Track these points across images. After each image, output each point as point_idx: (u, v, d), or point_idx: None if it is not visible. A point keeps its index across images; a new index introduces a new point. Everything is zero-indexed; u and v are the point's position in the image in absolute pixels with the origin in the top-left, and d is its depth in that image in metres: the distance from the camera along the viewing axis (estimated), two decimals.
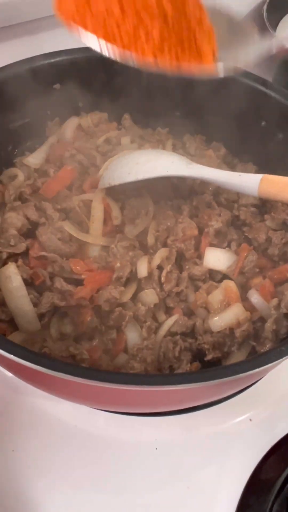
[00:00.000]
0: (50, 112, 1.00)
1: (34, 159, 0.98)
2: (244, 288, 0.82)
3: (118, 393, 0.59)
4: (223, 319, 0.76)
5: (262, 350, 0.75)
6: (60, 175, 0.93)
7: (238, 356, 0.76)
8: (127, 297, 0.79)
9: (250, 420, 0.80)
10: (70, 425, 0.78)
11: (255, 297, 0.79)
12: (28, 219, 0.85)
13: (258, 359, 0.59)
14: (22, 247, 0.80)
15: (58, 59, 0.94)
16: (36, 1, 0.96)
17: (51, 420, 0.78)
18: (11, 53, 0.95)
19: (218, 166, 0.96)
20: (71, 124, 1.02)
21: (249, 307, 0.79)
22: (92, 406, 0.76)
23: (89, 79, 0.98)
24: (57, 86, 0.96)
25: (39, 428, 0.77)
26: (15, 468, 0.74)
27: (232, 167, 1.01)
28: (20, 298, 0.74)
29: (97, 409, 0.78)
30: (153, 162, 0.85)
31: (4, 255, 0.79)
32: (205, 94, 0.96)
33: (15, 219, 0.83)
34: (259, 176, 0.79)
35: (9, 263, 0.77)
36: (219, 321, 0.76)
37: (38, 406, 0.79)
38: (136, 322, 0.77)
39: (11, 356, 0.57)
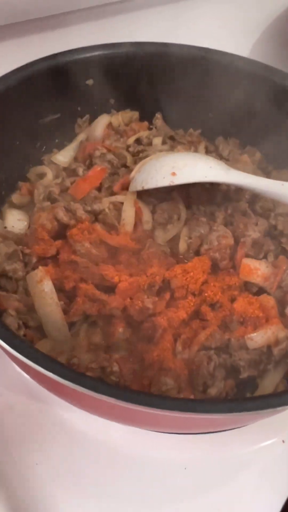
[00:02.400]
0: (80, 109, 0.97)
1: (62, 157, 0.95)
2: (281, 303, 0.78)
3: (153, 416, 0.56)
4: (261, 336, 0.72)
5: None
6: (90, 175, 0.89)
7: (274, 375, 0.73)
8: (160, 307, 0.75)
9: (283, 441, 0.76)
10: (97, 440, 0.74)
11: None
12: (58, 220, 0.81)
13: None
14: (52, 250, 0.77)
15: (92, 54, 0.91)
16: None
17: (76, 433, 0.74)
18: (40, 47, 0.92)
19: (253, 172, 0.92)
20: (102, 122, 0.98)
21: (287, 323, 0.75)
22: (121, 423, 0.72)
23: (122, 76, 0.95)
24: (89, 82, 0.93)
25: (64, 441, 0.74)
26: (39, 482, 0.70)
27: (266, 174, 0.97)
28: (50, 305, 0.70)
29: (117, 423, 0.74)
30: (191, 166, 0.81)
31: (34, 259, 0.76)
32: (240, 97, 0.93)
33: (45, 220, 0.79)
34: None
35: (40, 267, 0.73)
36: (257, 338, 0.72)
37: (63, 418, 0.75)
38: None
39: (40, 369, 0.53)
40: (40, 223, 0.79)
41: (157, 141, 0.98)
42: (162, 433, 0.74)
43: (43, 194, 0.86)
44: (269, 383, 0.71)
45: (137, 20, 1.11)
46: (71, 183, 0.89)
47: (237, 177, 0.80)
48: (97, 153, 0.92)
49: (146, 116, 1.02)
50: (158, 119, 1.02)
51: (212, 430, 0.72)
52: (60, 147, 0.97)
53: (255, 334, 0.72)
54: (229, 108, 0.96)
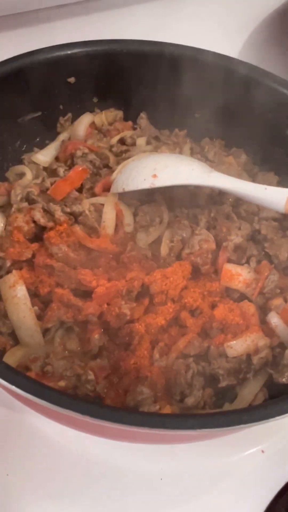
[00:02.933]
0: (62, 107, 0.94)
1: (43, 157, 0.92)
2: (262, 310, 0.77)
3: (123, 430, 0.54)
4: (240, 344, 0.70)
5: (280, 379, 0.70)
6: (70, 176, 0.87)
7: (254, 384, 0.71)
8: (138, 313, 0.73)
9: (262, 451, 0.75)
10: (69, 449, 0.72)
11: (275, 321, 0.73)
12: (35, 222, 0.79)
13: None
14: (27, 253, 0.74)
15: (75, 51, 0.88)
16: None
17: (49, 443, 0.72)
18: (21, 42, 0.90)
19: (238, 174, 0.91)
20: (84, 121, 0.96)
21: (268, 331, 0.73)
22: (93, 435, 0.70)
23: (105, 74, 0.93)
24: (71, 79, 0.91)
25: (35, 451, 0.72)
26: (9, 492, 0.68)
27: (252, 176, 0.95)
28: (24, 310, 0.68)
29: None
30: (172, 168, 0.79)
31: (8, 263, 0.73)
32: (228, 97, 0.91)
33: (21, 222, 0.77)
34: (287, 191, 0.74)
35: (13, 271, 0.71)
36: (236, 346, 0.70)
37: (35, 427, 0.73)
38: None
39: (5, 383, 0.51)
40: (16, 225, 0.76)
41: (141, 141, 0.96)
42: (138, 443, 0.72)
43: (20, 195, 0.83)
44: (248, 392, 0.69)
45: (124, 17, 1.09)
46: (51, 184, 0.86)
47: (220, 181, 0.78)
48: (79, 153, 0.90)
49: (131, 116, 0.99)
50: (143, 119, 0.99)
51: (186, 443, 0.70)
52: (41, 146, 0.94)
53: (234, 342, 0.70)
54: (215, 109, 0.93)
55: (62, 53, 0.87)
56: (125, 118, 1.00)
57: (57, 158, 0.93)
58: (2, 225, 0.80)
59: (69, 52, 0.87)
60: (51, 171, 0.91)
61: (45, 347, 0.69)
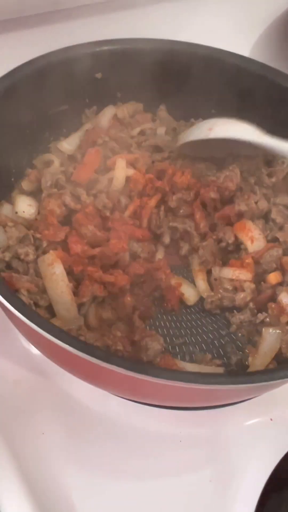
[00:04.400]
0: (88, 101, 1.01)
1: (68, 145, 0.98)
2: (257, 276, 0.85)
3: (158, 387, 0.61)
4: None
5: None
6: (86, 160, 0.93)
7: (264, 356, 0.78)
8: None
9: (271, 419, 0.82)
10: (98, 412, 0.80)
11: (286, 300, 0.80)
12: (65, 205, 0.85)
13: None
14: (61, 234, 0.81)
15: (102, 48, 0.94)
16: None
17: (78, 406, 0.79)
18: (46, 40, 0.96)
19: None
20: (108, 113, 1.02)
21: (279, 309, 0.81)
22: (126, 397, 0.78)
23: (129, 70, 0.98)
24: (98, 75, 0.97)
25: (69, 413, 0.79)
26: (45, 451, 0.75)
27: None
28: (61, 286, 0.75)
29: (127, 399, 0.79)
30: (227, 125, 0.88)
31: (44, 243, 0.80)
32: (243, 94, 0.98)
33: (54, 206, 0.84)
34: None
35: (51, 251, 0.78)
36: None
37: (66, 391, 0.80)
38: None
39: (59, 342, 0.58)
40: (49, 208, 0.83)
41: (161, 130, 1.02)
42: (160, 408, 0.79)
43: (50, 181, 0.90)
44: (260, 363, 0.76)
45: (140, 17, 1.14)
46: (74, 169, 0.93)
47: (269, 141, 0.85)
48: (100, 140, 0.96)
49: (150, 109, 1.06)
50: (162, 111, 1.06)
51: (208, 404, 0.77)
52: (67, 136, 1.00)
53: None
54: (230, 105, 1.00)
55: (92, 50, 0.94)
56: (145, 111, 1.06)
57: (80, 147, 0.99)
58: (35, 209, 0.87)
59: (98, 49, 0.94)
60: (74, 159, 0.97)
61: (79, 319, 0.75)
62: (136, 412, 0.80)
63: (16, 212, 0.86)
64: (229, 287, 0.84)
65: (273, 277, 0.83)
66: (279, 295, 0.81)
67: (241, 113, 0.97)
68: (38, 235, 0.81)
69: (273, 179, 0.93)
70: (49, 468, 0.75)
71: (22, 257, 0.77)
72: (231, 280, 0.84)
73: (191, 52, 0.99)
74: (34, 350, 0.83)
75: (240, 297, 0.83)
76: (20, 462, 0.74)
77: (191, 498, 0.76)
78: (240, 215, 0.89)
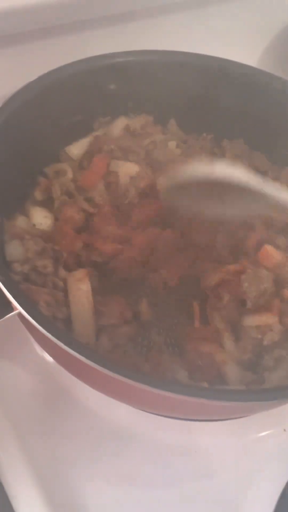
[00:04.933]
0: (101, 111, 1.01)
1: (76, 150, 0.98)
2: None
3: (174, 401, 0.61)
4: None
5: None
6: (94, 166, 0.94)
7: (280, 371, 0.79)
8: None
9: (284, 430, 0.83)
10: (113, 424, 0.80)
11: None
12: (83, 211, 0.86)
13: None
14: (79, 244, 0.82)
15: (118, 60, 0.95)
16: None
17: (95, 417, 0.81)
18: (58, 51, 0.96)
19: None
20: (120, 123, 1.02)
21: None
22: (134, 406, 0.79)
23: (141, 81, 0.99)
24: (112, 86, 0.97)
25: (83, 425, 0.80)
26: (61, 461, 0.77)
27: None
28: (84, 304, 0.75)
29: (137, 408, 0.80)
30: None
31: (64, 254, 0.81)
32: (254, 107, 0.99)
33: (73, 213, 0.85)
34: None
35: (81, 269, 0.79)
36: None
37: (83, 403, 0.82)
38: None
39: (77, 355, 0.59)
40: (68, 216, 0.84)
41: (172, 145, 1.03)
42: (174, 419, 0.80)
43: (60, 190, 0.90)
44: (276, 378, 0.77)
45: (148, 28, 1.14)
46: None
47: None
48: (106, 147, 0.96)
49: (160, 121, 1.06)
50: (172, 125, 1.06)
51: (219, 418, 0.78)
52: None
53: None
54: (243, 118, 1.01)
55: (105, 62, 0.94)
56: (155, 123, 1.06)
57: (87, 152, 0.99)
58: (51, 220, 0.88)
59: (112, 61, 0.95)
60: (82, 166, 0.97)
61: (93, 338, 0.75)
62: (150, 423, 0.81)
63: (34, 225, 0.86)
64: (258, 335, 0.79)
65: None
66: None
67: (253, 126, 1.00)
68: (56, 247, 0.81)
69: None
70: (66, 477, 0.76)
71: (40, 269, 0.78)
72: (258, 327, 0.80)
73: (201, 63, 1.00)
74: (49, 358, 0.84)
75: (268, 338, 0.78)
76: (37, 471, 0.75)
77: (203, 509, 0.76)
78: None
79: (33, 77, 0.87)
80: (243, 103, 1.01)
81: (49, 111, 0.91)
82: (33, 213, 0.88)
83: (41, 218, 0.87)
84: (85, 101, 0.96)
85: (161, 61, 0.99)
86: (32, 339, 0.85)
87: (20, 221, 0.86)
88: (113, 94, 0.99)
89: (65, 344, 0.60)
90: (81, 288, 0.76)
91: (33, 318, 0.62)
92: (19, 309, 0.62)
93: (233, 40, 1.22)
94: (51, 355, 0.79)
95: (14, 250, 0.78)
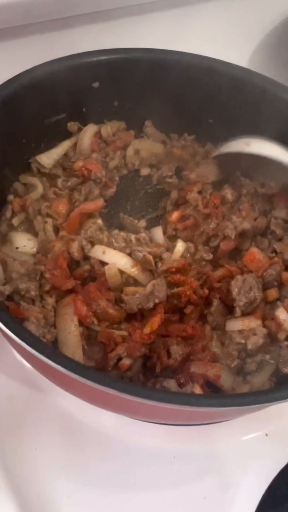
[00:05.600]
0: (85, 110, 1.00)
1: (47, 159, 0.96)
2: None
3: (151, 407, 0.60)
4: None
5: (285, 370, 0.76)
6: (89, 208, 0.90)
7: (262, 374, 0.78)
8: None
9: (266, 435, 0.82)
10: (92, 427, 0.79)
11: (283, 316, 0.79)
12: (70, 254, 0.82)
13: None
14: (68, 285, 0.78)
15: (100, 58, 0.94)
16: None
17: (72, 421, 0.79)
18: (45, 48, 0.96)
19: None
20: (89, 131, 1.00)
21: (276, 326, 0.80)
22: (118, 413, 0.77)
23: (125, 80, 0.98)
24: (96, 84, 0.96)
25: (62, 427, 0.78)
26: (38, 466, 0.75)
27: None
28: (70, 327, 0.73)
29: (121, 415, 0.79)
30: (262, 144, 0.89)
31: (48, 286, 0.78)
32: (242, 106, 0.98)
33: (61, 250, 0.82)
34: None
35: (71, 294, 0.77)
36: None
37: (60, 406, 0.80)
38: None
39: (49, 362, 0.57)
40: (58, 252, 0.81)
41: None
42: (153, 424, 0.79)
43: (32, 209, 0.89)
44: (258, 381, 0.76)
45: (137, 25, 1.13)
46: (54, 193, 0.92)
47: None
48: (95, 175, 0.93)
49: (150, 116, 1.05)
50: (148, 127, 1.05)
51: (202, 422, 0.77)
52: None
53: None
54: (229, 117, 1.00)
55: (88, 60, 0.93)
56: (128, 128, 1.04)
57: (59, 163, 0.98)
58: (35, 241, 0.85)
59: (94, 59, 0.93)
60: (50, 176, 0.96)
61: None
62: (130, 427, 0.79)
63: (17, 248, 0.83)
64: (241, 340, 0.77)
65: (271, 294, 0.82)
66: (275, 311, 0.80)
67: (239, 124, 0.99)
68: (47, 275, 0.78)
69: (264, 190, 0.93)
70: (42, 483, 0.74)
71: (22, 293, 0.75)
72: (241, 331, 0.78)
73: (189, 62, 0.99)
74: (28, 364, 0.82)
75: (252, 341, 0.77)
76: (11, 477, 0.73)
77: None
78: (243, 235, 0.87)
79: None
80: (229, 103, 0.99)
81: (35, 107, 0.89)
82: (15, 237, 0.86)
83: (24, 241, 0.84)
84: (68, 99, 0.95)
85: (147, 59, 0.98)
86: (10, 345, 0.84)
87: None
88: (97, 92, 0.97)
89: (40, 353, 0.58)
90: (67, 312, 0.74)
91: (4, 324, 0.60)
92: None
93: (223, 39, 1.21)
94: (29, 362, 0.77)
95: None
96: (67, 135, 1.00)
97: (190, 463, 0.79)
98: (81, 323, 0.74)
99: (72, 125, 1.00)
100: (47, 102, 0.92)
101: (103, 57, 0.94)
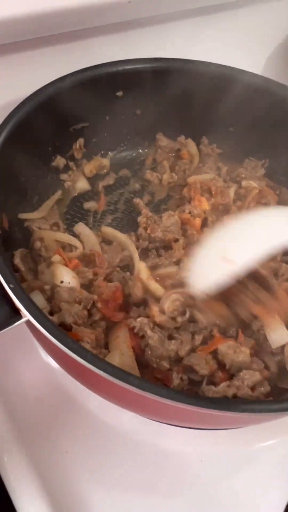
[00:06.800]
0: (108, 118, 1.02)
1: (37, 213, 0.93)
2: None
3: (185, 411, 0.61)
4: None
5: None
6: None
7: None
8: None
9: None
10: (120, 431, 0.80)
11: None
12: None
13: None
14: (118, 317, 0.80)
15: (124, 67, 0.95)
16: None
17: (102, 425, 0.80)
18: (65, 58, 0.97)
19: None
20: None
21: None
22: (151, 418, 0.79)
23: (148, 89, 1.00)
24: (120, 93, 0.98)
25: (91, 432, 0.79)
26: (68, 469, 0.76)
27: None
28: (123, 348, 0.75)
29: (150, 419, 0.80)
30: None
31: (98, 315, 0.80)
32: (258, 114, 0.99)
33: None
34: None
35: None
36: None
37: (90, 410, 0.81)
38: None
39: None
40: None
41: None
42: (181, 428, 0.80)
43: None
44: None
45: (149, 36, 1.14)
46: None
47: None
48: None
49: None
50: (160, 140, 1.07)
51: (227, 427, 0.78)
52: (88, 157, 1.03)
53: None
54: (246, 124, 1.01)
55: (112, 69, 0.95)
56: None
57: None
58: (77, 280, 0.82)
59: (120, 68, 0.95)
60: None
61: None
62: (158, 431, 0.80)
63: (62, 282, 0.80)
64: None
65: None
66: None
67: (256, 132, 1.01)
68: (98, 305, 0.79)
69: None
70: (73, 485, 0.76)
71: (69, 322, 0.75)
72: None
73: (208, 70, 1.00)
74: (55, 365, 0.84)
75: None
76: (44, 480, 0.74)
77: None
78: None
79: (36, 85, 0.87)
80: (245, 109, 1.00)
81: (62, 115, 0.91)
82: (59, 271, 0.82)
83: (69, 278, 0.81)
84: (93, 108, 0.97)
85: (169, 68, 0.99)
86: (38, 346, 0.85)
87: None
88: (120, 101, 0.99)
89: (72, 351, 0.60)
90: (118, 335, 0.76)
91: (41, 324, 0.62)
92: (28, 316, 0.62)
93: (238, 47, 1.22)
94: (58, 362, 0.79)
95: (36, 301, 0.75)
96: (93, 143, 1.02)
97: (215, 467, 0.80)
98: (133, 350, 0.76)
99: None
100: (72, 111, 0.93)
101: (126, 67, 0.96)
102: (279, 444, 0.82)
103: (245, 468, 0.80)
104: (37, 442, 0.77)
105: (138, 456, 0.79)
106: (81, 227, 0.94)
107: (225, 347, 0.74)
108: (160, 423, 0.80)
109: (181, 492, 0.78)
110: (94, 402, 0.81)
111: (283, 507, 0.75)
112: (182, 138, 1.07)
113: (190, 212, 0.93)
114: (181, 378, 0.73)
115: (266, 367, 0.76)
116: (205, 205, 0.94)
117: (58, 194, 0.99)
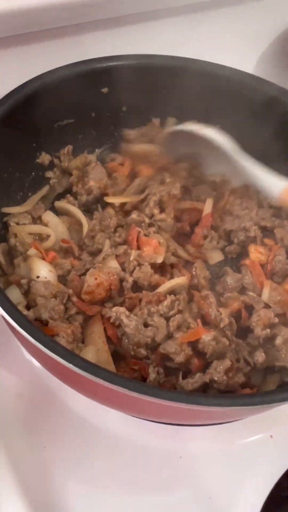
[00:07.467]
0: (94, 114, 1.01)
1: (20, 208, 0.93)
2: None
3: (159, 406, 0.61)
4: None
5: None
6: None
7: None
8: None
9: (271, 436, 0.83)
10: (99, 428, 0.80)
11: None
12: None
13: None
14: (94, 310, 0.80)
15: (110, 64, 0.95)
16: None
17: (81, 421, 0.80)
18: (53, 54, 0.97)
19: None
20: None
21: None
22: (127, 413, 0.78)
23: (134, 86, 0.99)
24: (105, 90, 0.98)
25: (70, 427, 0.79)
26: (46, 464, 0.76)
27: None
28: (99, 344, 0.76)
29: (128, 415, 0.80)
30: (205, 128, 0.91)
31: (74, 309, 0.80)
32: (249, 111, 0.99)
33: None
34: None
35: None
36: None
37: (68, 406, 0.81)
38: None
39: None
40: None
41: None
42: (161, 424, 0.80)
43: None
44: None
45: (141, 32, 1.13)
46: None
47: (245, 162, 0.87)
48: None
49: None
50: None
51: (208, 423, 0.78)
52: (74, 154, 1.02)
53: None
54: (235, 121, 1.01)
55: (98, 65, 0.95)
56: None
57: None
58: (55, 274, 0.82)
59: (104, 65, 0.95)
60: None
61: None
62: (137, 427, 0.80)
63: (38, 276, 0.80)
64: None
65: None
66: None
67: (247, 130, 1.00)
68: (74, 299, 0.78)
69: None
70: (50, 481, 0.75)
71: (45, 317, 0.75)
72: None
73: (198, 68, 1.00)
74: (37, 363, 0.83)
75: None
76: (20, 475, 0.74)
77: None
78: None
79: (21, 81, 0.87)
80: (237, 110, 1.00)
81: (47, 111, 0.91)
82: (36, 265, 0.81)
83: (46, 272, 0.81)
84: (78, 104, 0.96)
85: (157, 65, 0.99)
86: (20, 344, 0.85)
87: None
88: (107, 97, 0.99)
89: (43, 344, 0.59)
90: (93, 331, 0.76)
91: (13, 319, 0.62)
92: (1, 312, 0.62)
93: (229, 46, 1.22)
94: (34, 357, 0.79)
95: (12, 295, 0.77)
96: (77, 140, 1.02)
97: (196, 464, 0.80)
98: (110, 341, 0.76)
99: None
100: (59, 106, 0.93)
101: (111, 63, 0.96)
102: (258, 442, 0.82)
103: (224, 465, 0.80)
104: (15, 437, 0.77)
105: (117, 452, 0.79)
106: (49, 216, 0.92)
107: (209, 338, 0.75)
108: (139, 419, 0.79)
109: (160, 488, 0.77)
110: (73, 398, 0.81)
111: (260, 504, 0.75)
112: None
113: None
114: (158, 372, 0.73)
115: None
116: None
117: (45, 190, 0.98)
